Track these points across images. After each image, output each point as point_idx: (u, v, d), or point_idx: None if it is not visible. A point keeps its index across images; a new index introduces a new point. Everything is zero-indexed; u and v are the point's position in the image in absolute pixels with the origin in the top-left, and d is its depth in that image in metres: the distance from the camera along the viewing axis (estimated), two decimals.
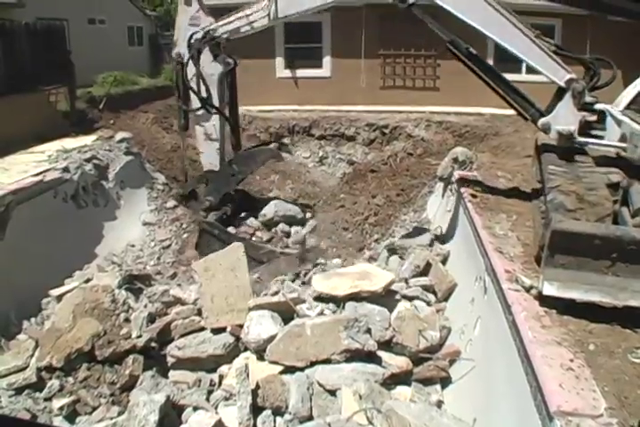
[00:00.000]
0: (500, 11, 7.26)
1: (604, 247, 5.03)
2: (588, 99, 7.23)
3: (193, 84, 7.94)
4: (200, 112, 8.14)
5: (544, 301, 5.25)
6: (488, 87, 7.94)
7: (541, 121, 7.37)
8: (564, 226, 5.17)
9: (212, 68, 8.03)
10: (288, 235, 11.52)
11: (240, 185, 10.79)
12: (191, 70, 7.92)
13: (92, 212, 11.79)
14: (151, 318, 7.40)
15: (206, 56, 7.89)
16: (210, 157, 8.43)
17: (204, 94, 8.02)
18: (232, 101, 8.32)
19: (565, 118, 7.22)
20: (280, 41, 19.20)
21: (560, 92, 7.28)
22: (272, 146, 8.68)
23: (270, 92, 18.50)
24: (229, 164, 8.44)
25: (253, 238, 10.80)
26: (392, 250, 8.83)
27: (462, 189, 8.75)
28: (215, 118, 8.32)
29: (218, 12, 8.67)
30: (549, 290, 5.17)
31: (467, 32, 7.48)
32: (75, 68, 18.02)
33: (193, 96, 8.17)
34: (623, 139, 6.99)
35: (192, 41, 7.86)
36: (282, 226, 11.54)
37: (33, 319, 8.45)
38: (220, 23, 7.84)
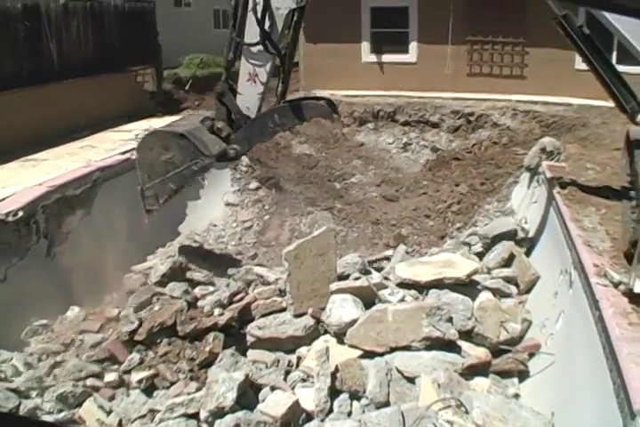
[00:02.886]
0: None
1: None
2: None
3: (253, 15, 6.81)
4: (255, 49, 7.01)
5: (633, 298, 5.14)
6: (593, 72, 7.56)
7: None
8: None
9: (280, 0, 6.86)
10: None
11: (319, 168, 10.33)
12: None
13: None
14: (232, 297, 7.52)
15: None
16: (248, 101, 7.27)
17: (266, 26, 6.86)
18: (292, 46, 7.31)
19: None
20: (366, 25, 19.06)
21: None
22: (323, 102, 7.53)
23: (356, 77, 18.42)
24: (271, 113, 7.35)
25: None
26: (475, 239, 8.73)
27: (551, 180, 8.58)
28: (268, 58, 7.18)
29: None
30: None
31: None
32: (162, 50, 18.35)
33: (250, 28, 7.00)
34: None
35: None
36: None
37: (115, 294, 8.64)
38: None
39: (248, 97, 7.23)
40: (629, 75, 8.61)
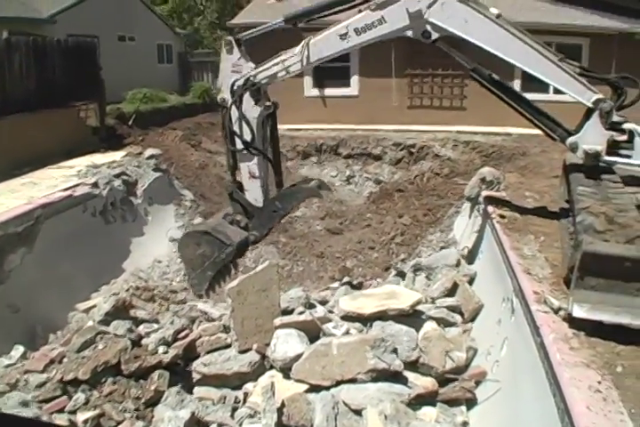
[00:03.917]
0: (524, 39, 7.32)
1: (635, 269, 5.00)
2: (616, 118, 7.22)
3: (236, 127, 8.35)
4: (244, 152, 8.59)
5: (573, 322, 5.22)
6: (515, 111, 7.99)
7: (569, 140, 7.37)
8: (594, 248, 5.15)
9: (253, 111, 8.42)
10: None
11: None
12: (235, 114, 8.35)
13: (119, 227, 11.91)
14: (176, 335, 7.44)
15: (248, 100, 8.24)
16: (255, 194, 8.93)
17: (247, 136, 8.42)
18: (274, 142, 8.79)
19: (593, 137, 7.21)
20: None
21: (588, 113, 7.28)
22: (312, 184, 9.13)
23: (299, 111, 18.57)
24: (273, 201, 9.07)
25: None
26: (418, 270, 8.81)
27: (490, 210, 8.72)
28: (258, 158, 8.78)
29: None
30: (579, 312, 5.14)
31: (491, 56, 7.52)
32: (105, 85, 18.27)
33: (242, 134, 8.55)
34: None
35: (235, 88, 8.22)
36: None
37: (59, 332, 8.51)
38: (259, 69, 8.20)
39: (253, 191, 8.87)
40: (566, 103, 8.96)
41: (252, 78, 8.15)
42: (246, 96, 8.25)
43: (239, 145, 8.47)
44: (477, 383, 6.33)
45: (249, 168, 8.67)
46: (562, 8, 19.77)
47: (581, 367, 4.59)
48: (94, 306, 8.50)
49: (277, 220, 9.03)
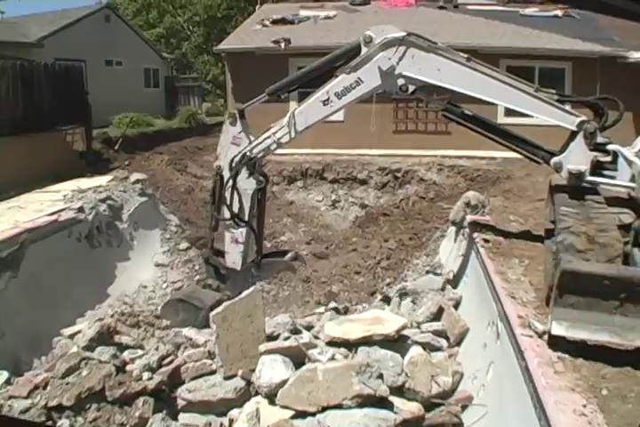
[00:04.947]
0: (498, 77, 7.42)
1: (613, 288, 5.06)
2: (600, 139, 7.30)
3: (228, 197, 8.46)
4: (229, 222, 8.73)
5: (553, 340, 5.26)
6: (495, 142, 8.11)
7: (554, 160, 7.44)
8: (573, 266, 5.22)
9: (246, 183, 8.50)
10: None
11: None
12: (228, 183, 8.45)
13: (105, 252, 11.88)
14: (161, 361, 7.40)
15: (243, 173, 8.43)
16: (234, 258, 8.93)
17: (236, 207, 8.52)
18: (260, 214, 9.01)
19: (577, 158, 7.29)
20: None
21: (573, 134, 7.37)
22: (288, 256, 9.31)
23: None
24: (249, 268, 9.08)
25: None
26: (404, 294, 8.82)
27: (474, 234, 8.76)
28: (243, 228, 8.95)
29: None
30: (558, 330, 5.20)
31: None
32: (91, 109, 18.33)
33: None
34: (634, 179, 7.05)
35: (233, 164, 8.37)
36: None
37: (43, 358, 8.44)
38: (254, 144, 8.27)
39: (233, 255, 8.83)
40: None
41: (248, 153, 8.28)
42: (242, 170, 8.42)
43: (226, 213, 8.61)
44: (464, 408, 6.31)
45: (233, 234, 8.82)
46: (544, 33, 20.06)
47: (566, 391, 4.60)
48: (79, 331, 8.44)
49: (251, 285, 9.26)
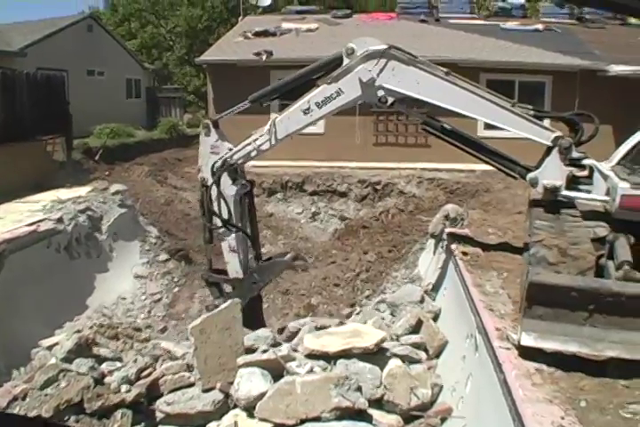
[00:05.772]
0: (476, 92, 7.53)
1: (581, 299, 5.13)
2: (575, 154, 7.39)
3: (215, 205, 8.60)
4: (222, 229, 8.81)
5: (524, 351, 5.31)
6: (472, 155, 8.20)
7: (530, 175, 7.53)
8: (540, 278, 5.29)
9: (231, 189, 8.61)
10: None
11: None
12: (214, 191, 8.56)
13: (84, 263, 11.82)
14: (139, 373, 7.36)
15: (226, 179, 8.51)
16: (234, 268, 9.01)
17: (225, 213, 8.62)
18: (251, 218, 9.10)
19: (552, 173, 7.37)
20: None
21: (549, 150, 7.46)
22: (289, 257, 9.34)
23: None
24: (251, 273, 9.12)
25: None
26: (383, 307, 8.83)
27: (453, 247, 8.80)
28: (237, 234, 8.96)
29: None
30: (527, 340, 5.26)
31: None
32: (72, 119, 18.26)
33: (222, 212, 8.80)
34: (608, 193, 7.13)
35: (214, 170, 8.48)
36: None
37: (22, 369, 8.38)
38: (234, 150, 8.40)
39: (233, 265, 8.94)
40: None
41: (228, 160, 8.35)
42: (224, 176, 8.45)
43: (218, 222, 8.72)
44: (443, 420, 6.31)
45: (228, 243, 8.87)
46: (524, 47, 20.24)
47: (544, 403, 4.62)
48: (57, 343, 8.38)
49: (256, 291, 9.26)
